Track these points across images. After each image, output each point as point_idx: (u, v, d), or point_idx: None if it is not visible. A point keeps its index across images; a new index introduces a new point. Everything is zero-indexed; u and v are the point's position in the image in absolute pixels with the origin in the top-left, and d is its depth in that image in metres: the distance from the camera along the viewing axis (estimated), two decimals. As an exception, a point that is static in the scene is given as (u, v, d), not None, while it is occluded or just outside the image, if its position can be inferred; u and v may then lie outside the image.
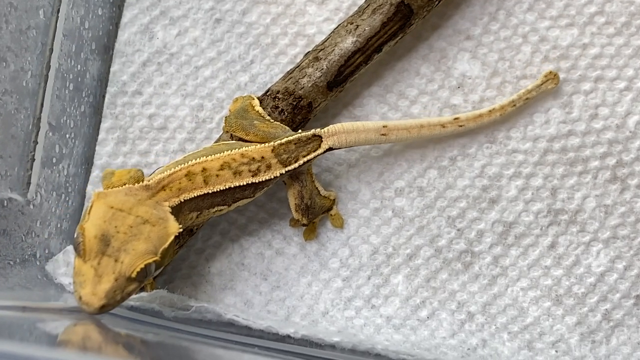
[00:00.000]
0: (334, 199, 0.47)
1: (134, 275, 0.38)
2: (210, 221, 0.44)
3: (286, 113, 0.44)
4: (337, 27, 0.45)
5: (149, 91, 0.48)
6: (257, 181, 0.43)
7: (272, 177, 0.43)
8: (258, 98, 0.45)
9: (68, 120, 0.47)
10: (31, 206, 0.46)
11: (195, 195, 0.42)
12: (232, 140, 0.45)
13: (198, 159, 0.43)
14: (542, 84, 0.45)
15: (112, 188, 0.42)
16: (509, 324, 0.44)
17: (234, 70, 0.47)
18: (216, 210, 0.44)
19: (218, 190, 0.42)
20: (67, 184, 0.48)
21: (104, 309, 0.38)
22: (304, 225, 0.46)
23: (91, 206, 0.40)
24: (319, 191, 0.45)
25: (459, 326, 0.44)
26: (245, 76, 0.47)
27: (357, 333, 0.45)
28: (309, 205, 0.45)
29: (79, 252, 0.39)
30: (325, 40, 0.45)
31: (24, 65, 0.45)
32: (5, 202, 0.46)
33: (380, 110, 0.47)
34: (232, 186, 0.42)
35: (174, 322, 0.45)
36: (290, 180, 0.44)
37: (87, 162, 0.48)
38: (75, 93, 0.48)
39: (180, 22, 0.47)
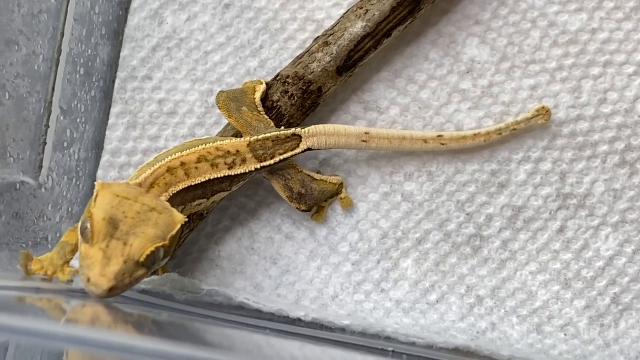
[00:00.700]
0: (338, 183, 0.46)
1: (142, 258, 0.37)
2: (220, 205, 0.44)
3: (296, 97, 0.44)
4: (346, 12, 0.45)
5: (159, 76, 0.47)
6: (232, 174, 0.43)
7: (247, 171, 0.43)
8: (267, 83, 0.44)
9: (79, 105, 0.47)
10: (43, 189, 0.46)
11: (181, 188, 0.42)
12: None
13: (174, 154, 0.43)
14: (532, 118, 0.44)
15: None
16: (518, 308, 0.43)
17: (243, 56, 0.47)
18: (197, 204, 0.43)
19: (199, 182, 0.42)
20: (78, 168, 0.47)
21: (112, 292, 0.37)
22: (304, 211, 0.46)
23: (96, 195, 0.39)
24: (312, 177, 0.45)
25: (468, 310, 0.43)
26: (254, 61, 0.46)
27: (367, 316, 0.45)
28: (302, 194, 0.45)
29: (86, 236, 0.38)
30: (335, 25, 0.45)
31: (36, 49, 0.45)
32: (18, 185, 0.45)
33: (389, 95, 0.46)
34: (211, 178, 0.42)
35: (185, 305, 0.44)
36: (271, 176, 0.44)
37: (98, 146, 0.47)
38: (86, 77, 0.47)
39: (190, 7, 0.46)
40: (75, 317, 0.40)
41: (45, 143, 0.46)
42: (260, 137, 0.43)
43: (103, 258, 0.37)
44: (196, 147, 0.42)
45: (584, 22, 0.44)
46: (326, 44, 0.44)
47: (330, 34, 0.44)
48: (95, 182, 0.40)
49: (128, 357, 0.33)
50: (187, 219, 0.40)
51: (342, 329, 0.44)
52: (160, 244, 0.38)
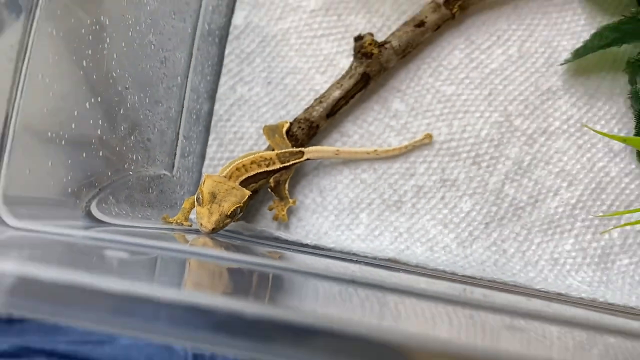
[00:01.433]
0: (290, 200, 0.54)
1: (229, 213, 0.47)
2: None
3: (304, 130, 0.56)
4: (330, 86, 0.56)
5: (233, 119, 0.58)
6: (268, 170, 0.51)
7: (275, 169, 0.52)
8: (290, 122, 0.55)
9: (192, 134, 0.56)
10: (175, 178, 0.54)
11: (244, 177, 0.50)
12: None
13: (239, 160, 0.51)
14: (423, 139, 0.55)
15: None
16: (420, 238, 0.55)
17: (278, 108, 0.58)
18: (251, 186, 0.51)
19: (252, 174, 0.51)
20: (192, 168, 0.56)
21: (213, 231, 0.46)
22: (270, 189, 0.53)
23: (204, 181, 0.48)
24: (286, 184, 0.53)
25: (394, 239, 0.55)
26: (283, 111, 0.58)
27: (342, 242, 0.55)
28: (278, 182, 0.53)
29: (199, 201, 0.47)
30: (325, 92, 0.56)
31: (170, 105, 0.54)
32: (162, 175, 0.52)
33: (353, 129, 0.57)
34: (258, 172, 0.51)
35: (248, 237, 0.54)
36: (281, 171, 0.53)
37: (202, 156, 0.57)
38: (196, 120, 0.56)
39: (249, 84, 0.58)
40: (194, 243, 0.45)
41: (176, 154, 0.55)
42: (283, 151, 0.53)
43: (208, 213, 0.46)
44: (251, 156, 0.52)
45: (454, 90, 0.58)
46: (320, 102, 0.56)
47: (323, 97, 0.56)
48: (203, 174, 0.52)
49: (220, 262, 0.38)
50: (251, 193, 0.49)
51: (329, 249, 0.54)
52: (238, 205, 0.47)
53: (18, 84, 0.36)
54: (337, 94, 0.56)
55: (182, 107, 0.55)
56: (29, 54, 0.36)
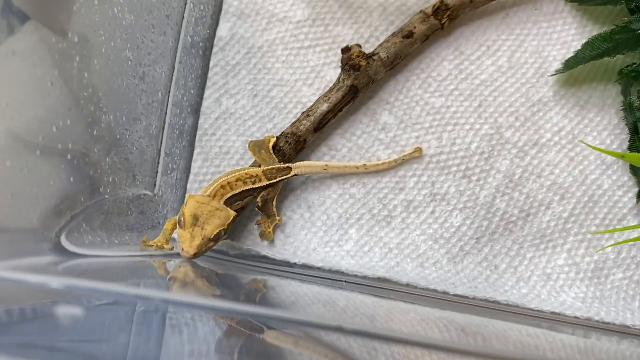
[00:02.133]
0: (277, 218, 0.52)
1: (212, 236, 0.44)
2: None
3: (292, 144, 0.53)
4: (318, 98, 0.54)
5: (219, 133, 0.55)
6: (254, 187, 0.49)
7: (261, 185, 0.49)
8: (277, 137, 0.52)
9: (176, 150, 0.54)
10: (156, 197, 0.52)
11: (229, 195, 0.48)
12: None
13: (224, 177, 0.48)
14: (412, 153, 0.52)
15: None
16: (410, 254, 0.53)
17: (264, 122, 0.55)
18: (237, 204, 0.49)
19: (237, 192, 0.48)
20: (176, 184, 0.54)
21: (195, 256, 0.44)
22: (257, 208, 0.50)
23: (186, 201, 0.46)
24: (273, 201, 0.51)
25: (384, 255, 0.53)
26: (270, 124, 0.55)
27: (331, 260, 0.52)
28: (265, 201, 0.51)
29: (181, 224, 0.44)
30: (312, 106, 0.54)
31: (151, 122, 0.51)
32: (142, 195, 0.50)
33: (341, 142, 0.55)
34: (244, 189, 0.49)
35: (233, 257, 0.52)
36: (268, 188, 0.50)
37: (187, 171, 0.54)
38: (179, 135, 0.54)
39: (235, 96, 0.55)
40: (174, 275, 0.42)
41: (157, 172, 0.52)
42: (269, 167, 0.50)
43: (190, 237, 0.44)
44: (236, 173, 0.50)
45: (443, 102, 0.55)
46: (308, 115, 0.53)
47: (310, 110, 0.53)
48: (187, 194, 0.47)
49: (198, 312, 0.33)
50: (235, 214, 0.47)
51: (318, 268, 0.52)
52: (222, 228, 0.45)
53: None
54: (324, 107, 0.53)
55: (164, 122, 0.52)
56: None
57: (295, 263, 0.51)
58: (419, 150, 0.53)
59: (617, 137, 0.56)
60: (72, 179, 0.39)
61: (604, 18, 0.57)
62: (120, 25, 0.43)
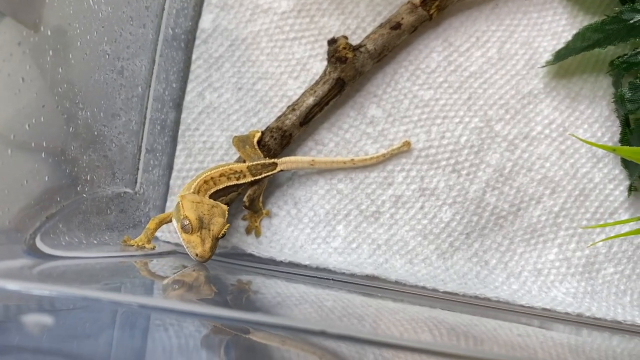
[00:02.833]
0: (263, 211, 0.51)
1: (220, 236, 0.44)
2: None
3: (277, 139, 0.53)
4: (304, 92, 0.54)
5: (202, 128, 0.54)
6: (238, 183, 0.49)
7: (246, 182, 0.49)
8: (262, 132, 0.52)
9: (157, 146, 0.53)
10: (137, 195, 0.51)
11: (212, 191, 0.47)
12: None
13: (208, 173, 0.48)
14: (401, 147, 0.52)
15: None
16: (400, 250, 0.52)
17: (249, 116, 0.54)
18: (222, 199, 0.48)
19: (221, 187, 0.48)
20: (158, 181, 0.53)
21: (210, 258, 0.44)
22: (245, 207, 0.50)
23: (181, 203, 0.44)
24: (259, 198, 0.51)
25: (372, 252, 0.52)
26: (255, 119, 0.54)
27: (318, 257, 0.52)
28: (252, 199, 0.51)
29: (188, 229, 0.43)
30: (298, 99, 0.53)
31: (131, 118, 0.50)
32: (122, 193, 0.50)
33: (328, 136, 0.54)
34: (227, 185, 0.48)
35: (219, 256, 0.51)
36: (253, 184, 0.50)
37: (169, 168, 0.54)
38: (161, 130, 0.53)
39: (219, 90, 0.55)
40: (166, 287, 0.39)
41: (138, 168, 0.51)
42: (254, 163, 0.50)
43: (201, 241, 0.43)
44: (220, 168, 0.49)
45: (432, 94, 0.55)
46: (293, 109, 0.53)
47: (296, 104, 0.53)
48: (178, 196, 0.46)
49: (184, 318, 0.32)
50: (228, 207, 0.46)
51: (305, 266, 0.51)
52: (228, 226, 0.45)
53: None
54: (310, 100, 0.53)
55: (145, 118, 0.51)
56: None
57: (281, 261, 0.51)
58: (407, 144, 0.53)
59: (608, 129, 0.56)
60: (47, 178, 0.39)
61: (595, 8, 0.57)
62: (97, 17, 0.42)
